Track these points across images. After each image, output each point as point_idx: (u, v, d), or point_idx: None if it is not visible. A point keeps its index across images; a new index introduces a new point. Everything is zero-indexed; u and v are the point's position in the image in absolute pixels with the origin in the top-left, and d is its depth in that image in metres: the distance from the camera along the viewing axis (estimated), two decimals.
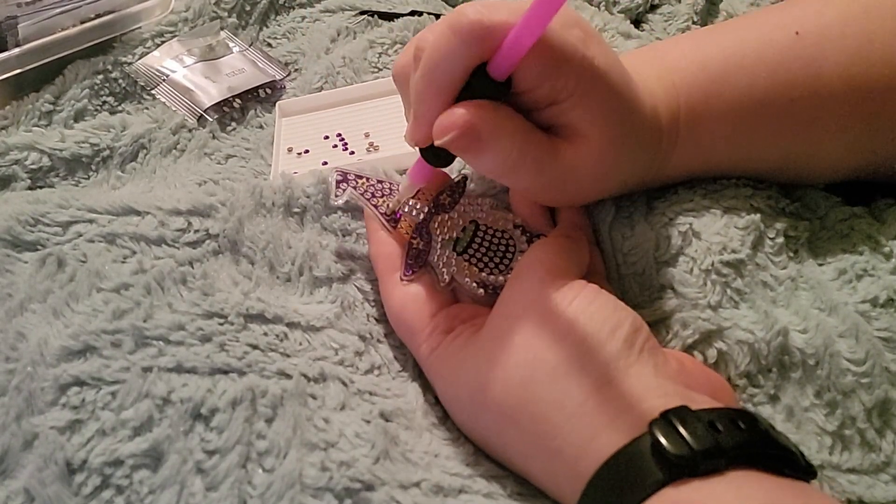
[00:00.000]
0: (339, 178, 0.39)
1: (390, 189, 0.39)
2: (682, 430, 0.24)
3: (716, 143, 0.37)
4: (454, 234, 0.37)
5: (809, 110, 0.35)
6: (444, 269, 0.36)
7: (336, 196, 0.38)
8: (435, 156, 0.34)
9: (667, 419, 0.25)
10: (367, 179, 0.39)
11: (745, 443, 0.25)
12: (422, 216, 0.37)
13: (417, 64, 0.31)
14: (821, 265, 0.35)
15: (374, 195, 0.38)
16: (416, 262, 0.36)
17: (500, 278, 0.36)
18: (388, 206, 0.38)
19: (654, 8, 0.61)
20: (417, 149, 0.34)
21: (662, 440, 0.24)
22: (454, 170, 0.41)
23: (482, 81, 0.30)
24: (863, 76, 0.35)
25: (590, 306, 0.29)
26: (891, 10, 0.35)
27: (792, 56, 0.35)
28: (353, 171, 0.39)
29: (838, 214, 0.37)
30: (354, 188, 0.38)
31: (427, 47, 0.30)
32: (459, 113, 0.30)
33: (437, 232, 0.37)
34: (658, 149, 0.36)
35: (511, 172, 0.32)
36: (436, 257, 0.36)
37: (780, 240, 0.35)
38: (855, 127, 0.36)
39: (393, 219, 0.38)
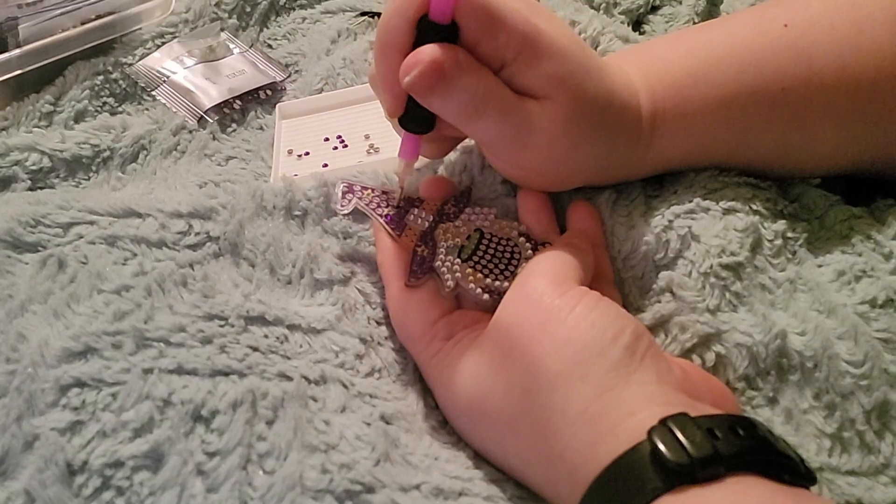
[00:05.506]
0: (345, 188, 0.39)
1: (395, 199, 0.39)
2: (680, 437, 0.24)
3: (710, 129, 0.37)
4: (459, 242, 0.37)
5: (802, 99, 0.36)
6: (449, 276, 0.36)
7: (342, 206, 0.39)
8: (413, 121, 0.35)
9: (666, 426, 0.25)
10: (373, 190, 0.39)
11: (744, 450, 0.24)
12: (426, 224, 0.38)
13: None
14: (820, 267, 0.35)
15: (379, 205, 0.39)
16: (421, 268, 0.36)
17: (505, 284, 0.35)
18: (392, 207, 0.38)
19: (654, 9, 0.61)
20: (400, 126, 0.35)
21: (661, 447, 0.24)
22: (461, 181, 0.41)
23: (427, 27, 0.32)
24: (853, 66, 0.35)
25: (591, 313, 0.29)
26: (879, 1, 0.35)
27: (781, 46, 0.36)
28: (358, 182, 0.40)
29: (838, 215, 0.37)
30: (360, 199, 0.39)
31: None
32: (422, 51, 0.31)
33: (442, 239, 0.37)
34: (639, 136, 0.36)
35: (477, 114, 0.33)
36: (440, 263, 0.36)
37: (779, 242, 0.35)
38: (848, 117, 0.36)
39: (399, 226, 0.38)
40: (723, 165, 0.38)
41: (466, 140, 0.43)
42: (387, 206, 0.39)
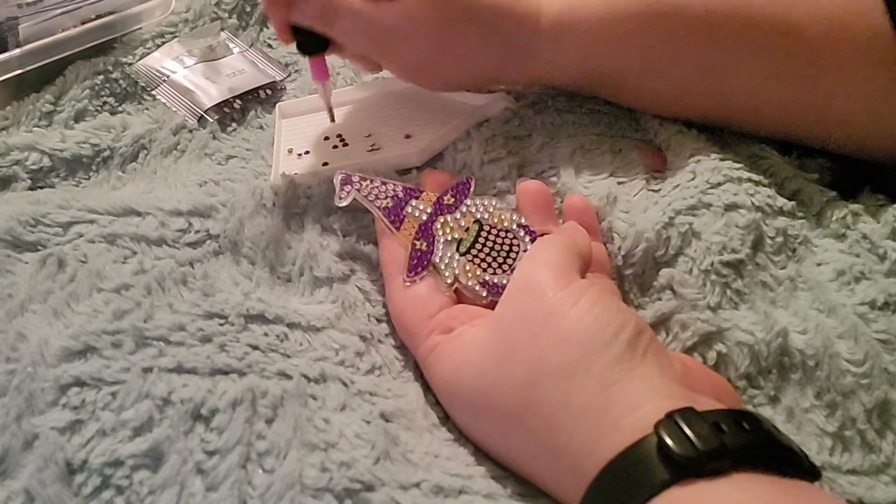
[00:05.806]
0: (343, 179, 0.39)
1: (394, 191, 0.39)
2: (687, 430, 0.24)
3: (609, 42, 0.37)
4: (457, 235, 0.37)
5: (726, 26, 0.36)
6: (448, 271, 0.36)
7: (340, 198, 0.39)
8: (305, 45, 0.43)
9: (672, 420, 0.25)
10: (371, 181, 0.39)
11: (750, 443, 0.25)
12: (425, 216, 0.38)
13: None
14: (819, 265, 0.35)
15: (377, 196, 0.38)
16: (420, 263, 0.36)
17: (504, 280, 0.35)
18: (390, 198, 0.38)
19: None
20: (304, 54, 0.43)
21: (668, 440, 0.24)
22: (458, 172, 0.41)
23: None
24: (782, 4, 0.35)
25: (594, 308, 0.29)
26: None
27: None
28: (357, 174, 0.40)
29: (835, 212, 0.37)
30: (358, 190, 0.38)
31: None
32: None
33: (441, 233, 0.37)
34: (530, 33, 0.37)
35: (329, 17, 0.39)
36: (439, 258, 0.36)
37: (780, 239, 0.35)
38: (775, 57, 0.36)
39: (397, 217, 0.38)
40: (630, 93, 0.39)
41: (462, 138, 0.43)
42: (385, 198, 0.38)
